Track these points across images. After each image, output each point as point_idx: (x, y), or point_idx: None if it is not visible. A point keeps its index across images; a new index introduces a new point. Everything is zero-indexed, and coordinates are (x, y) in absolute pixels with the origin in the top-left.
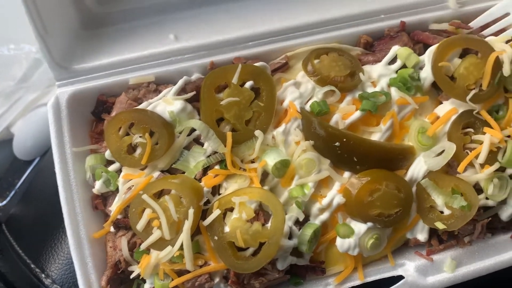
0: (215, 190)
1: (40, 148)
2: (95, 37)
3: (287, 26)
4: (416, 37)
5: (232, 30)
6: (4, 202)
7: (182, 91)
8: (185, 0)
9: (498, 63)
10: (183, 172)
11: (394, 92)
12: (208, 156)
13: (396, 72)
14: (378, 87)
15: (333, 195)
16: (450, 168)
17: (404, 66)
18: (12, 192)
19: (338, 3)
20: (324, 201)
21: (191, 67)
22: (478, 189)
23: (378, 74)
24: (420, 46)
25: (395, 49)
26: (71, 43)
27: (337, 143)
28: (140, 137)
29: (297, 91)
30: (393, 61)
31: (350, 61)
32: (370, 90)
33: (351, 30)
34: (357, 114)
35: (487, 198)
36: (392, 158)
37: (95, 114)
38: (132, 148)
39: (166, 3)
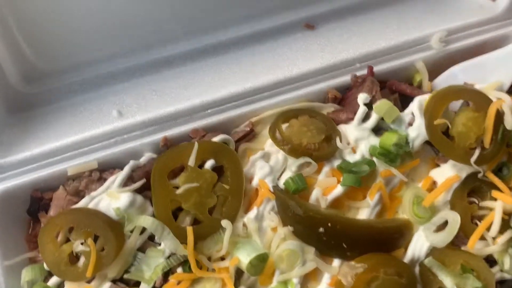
0: None
1: None
2: (23, 121)
3: (249, 88)
4: (394, 87)
5: (186, 98)
6: None
7: (129, 179)
8: (127, 69)
9: (498, 116)
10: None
11: (378, 162)
12: (168, 257)
13: (374, 130)
14: (358, 154)
15: None
16: (455, 237)
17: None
18: None
19: (305, 56)
20: None
21: (141, 146)
22: (491, 260)
23: (355, 137)
24: (396, 97)
25: (362, 98)
26: None
27: (321, 229)
28: (82, 243)
29: (267, 165)
30: (367, 115)
31: (324, 123)
32: (350, 157)
33: (323, 84)
34: (340, 189)
35: (501, 271)
36: (387, 238)
37: (31, 213)
38: (75, 257)
39: (105, 74)
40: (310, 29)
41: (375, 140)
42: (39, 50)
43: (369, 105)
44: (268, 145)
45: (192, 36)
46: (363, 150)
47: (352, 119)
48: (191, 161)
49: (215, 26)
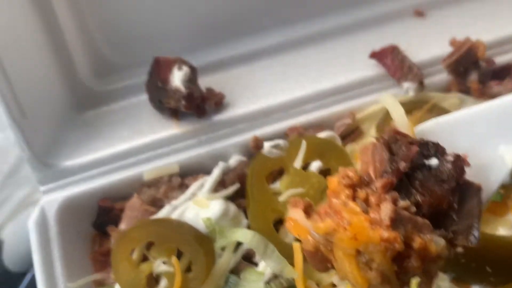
0: None
1: None
2: (92, 120)
3: (356, 79)
4: None
5: (280, 92)
6: None
7: (219, 184)
8: (211, 62)
9: None
10: None
11: None
12: (268, 282)
13: None
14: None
15: None
16: None
17: None
18: None
19: (420, 45)
20: None
21: (227, 147)
22: None
23: None
24: None
25: None
26: (60, 129)
27: (459, 249)
28: (164, 263)
29: None
30: None
31: None
32: None
33: (443, 76)
34: None
35: None
36: None
37: (97, 226)
38: (154, 279)
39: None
40: (421, 17)
41: None
42: (113, 42)
43: None
44: None
45: (284, 27)
46: None
47: None
48: (297, 162)
49: (311, 15)
